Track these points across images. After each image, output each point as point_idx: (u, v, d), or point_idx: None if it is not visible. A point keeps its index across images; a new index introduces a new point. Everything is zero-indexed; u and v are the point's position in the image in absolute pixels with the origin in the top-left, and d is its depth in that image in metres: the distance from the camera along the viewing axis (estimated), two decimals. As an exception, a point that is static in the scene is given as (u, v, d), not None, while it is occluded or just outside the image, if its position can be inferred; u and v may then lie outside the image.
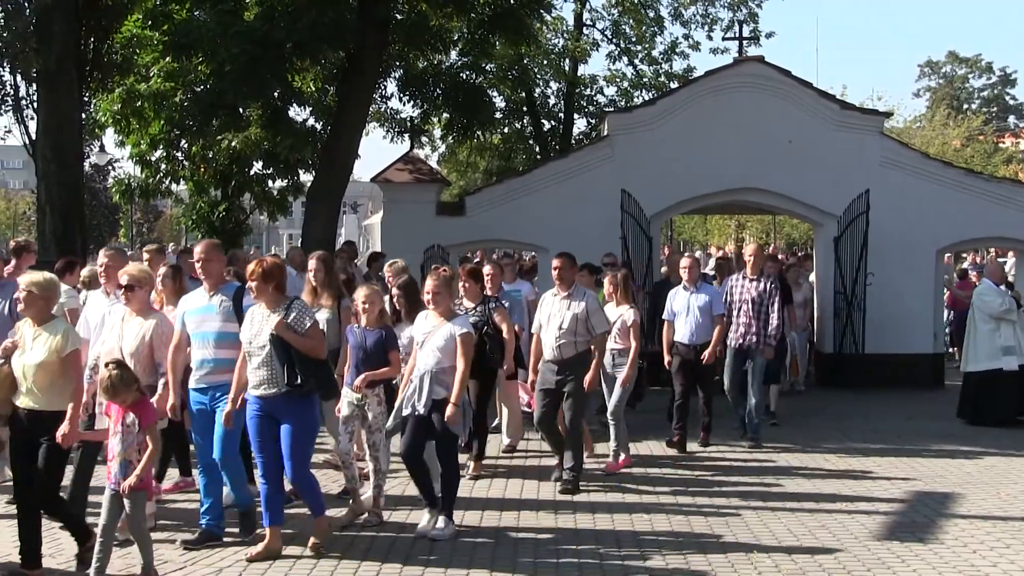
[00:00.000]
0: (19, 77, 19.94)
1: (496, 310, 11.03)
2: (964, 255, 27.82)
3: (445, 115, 21.74)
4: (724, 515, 9.47)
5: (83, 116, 19.62)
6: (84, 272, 11.64)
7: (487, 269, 12.07)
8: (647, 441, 12.71)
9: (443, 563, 8.05)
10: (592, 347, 10.54)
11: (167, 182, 23.69)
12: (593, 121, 33.38)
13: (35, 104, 19.11)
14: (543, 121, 34.03)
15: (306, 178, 22.48)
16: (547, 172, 18.97)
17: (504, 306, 11.34)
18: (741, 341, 12.68)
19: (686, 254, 13.01)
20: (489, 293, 11.49)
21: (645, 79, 33.96)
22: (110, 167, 48.47)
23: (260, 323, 8.09)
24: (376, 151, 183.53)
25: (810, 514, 9.50)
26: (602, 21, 34.09)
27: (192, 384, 8.62)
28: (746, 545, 8.48)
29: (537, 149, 33.71)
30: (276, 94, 17.84)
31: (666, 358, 12.61)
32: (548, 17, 27.28)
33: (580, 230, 17.44)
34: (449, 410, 8.71)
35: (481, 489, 10.52)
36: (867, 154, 17.96)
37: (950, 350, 20.77)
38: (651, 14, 33.38)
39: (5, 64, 19.68)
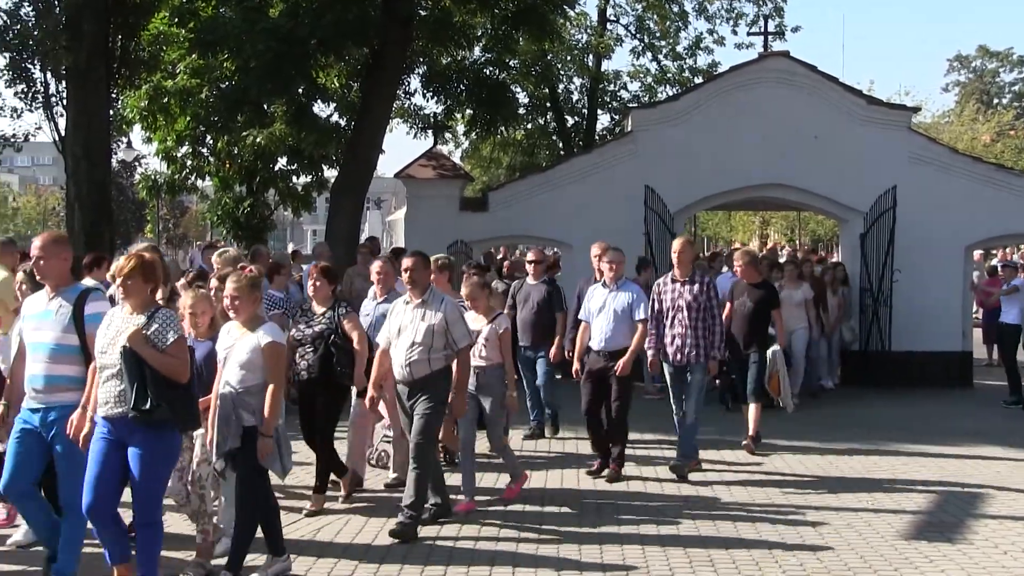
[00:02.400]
0: (49, 74, 20.04)
1: (347, 316, 9.50)
2: (994, 252, 27.62)
3: (468, 111, 21.79)
4: (749, 513, 9.44)
5: (111, 113, 19.73)
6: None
7: (376, 266, 10.49)
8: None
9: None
10: (452, 364, 8.86)
11: (193, 178, 23.87)
12: (617, 117, 33.36)
13: (64, 101, 19.19)
14: (566, 117, 34.02)
15: (330, 174, 22.59)
16: (570, 168, 18.97)
17: (354, 312, 9.80)
18: (679, 356, 10.90)
19: (609, 248, 11.08)
20: (378, 294, 10.35)
21: (669, 74, 33.91)
22: (137, 163, 48.70)
23: (118, 329, 6.76)
24: (400, 147, 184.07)
25: (836, 513, 9.44)
26: (626, 16, 34.09)
27: (24, 403, 7.30)
28: (771, 544, 8.44)
29: (560, 145, 33.71)
30: (300, 90, 17.92)
31: (575, 365, 11.18)
32: (572, 13, 27.19)
33: (603, 226, 17.35)
34: (259, 442, 7.24)
35: (326, 533, 8.74)
36: (894, 150, 17.85)
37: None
38: (675, 9, 33.33)
39: (36, 61, 19.79)
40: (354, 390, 9.74)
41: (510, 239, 21.72)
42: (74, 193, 17.98)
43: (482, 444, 10.22)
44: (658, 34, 33.83)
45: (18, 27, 19.12)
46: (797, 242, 48.68)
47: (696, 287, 10.86)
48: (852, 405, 15.72)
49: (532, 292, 12.95)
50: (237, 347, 7.44)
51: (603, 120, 34.64)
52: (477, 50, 22.04)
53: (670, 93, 30.47)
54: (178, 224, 65.82)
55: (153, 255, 7.14)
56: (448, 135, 29.38)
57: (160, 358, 6.63)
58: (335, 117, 21.84)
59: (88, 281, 11.05)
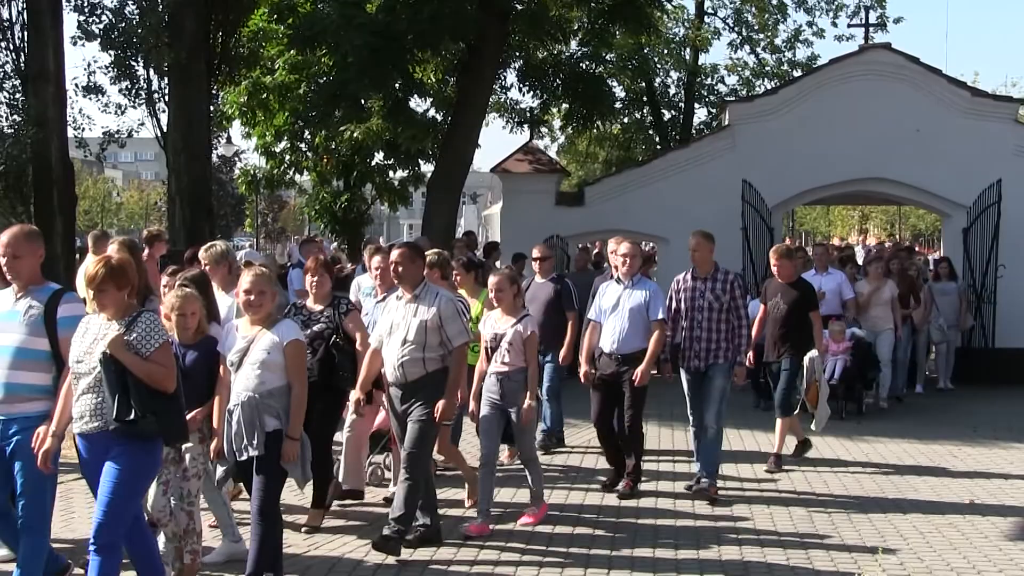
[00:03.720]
0: (152, 71, 20.54)
1: (349, 315, 8.79)
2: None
3: (565, 105, 21.81)
4: (848, 512, 9.29)
5: (211, 108, 20.10)
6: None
7: (375, 261, 9.76)
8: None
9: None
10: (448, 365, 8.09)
11: (291, 173, 24.22)
12: (714, 110, 33.05)
13: (166, 97, 19.63)
14: (663, 111, 33.84)
15: (427, 168, 22.74)
16: (667, 162, 18.87)
17: (357, 310, 9.12)
18: (697, 361, 9.89)
19: (623, 240, 10.21)
20: (377, 291, 9.67)
21: (767, 68, 33.58)
22: (236, 158, 49.56)
23: (95, 336, 6.17)
24: (496, 141, 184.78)
25: (938, 512, 9.25)
26: (724, 9, 33.83)
27: None
28: (871, 543, 8.29)
29: (657, 139, 33.53)
30: (397, 85, 18.07)
31: (582, 368, 9.98)
32: (669, 6, 27.05)
33: (700, 221, 17.01)
34: (285, 445, 6.85)
35: (319, 548, 8.14)
36: (999, 142, 17.45)
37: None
38: (774, 1, 32.94)
39: (139, 59, 20.28)
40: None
41: (606, 233, 21.51)
42: (175, 188, 18.37)
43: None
44: (756, 27, 33.50)
45: (122, 25, 19.57)
46: (897, 236, 47.79)
47: (719, 285, 9.90)
48: (955, 403, 15.39)
49: (539, 291, 11.46)
50: (254, 348, 6.92)
51: (700, 114, 34.47)
52: (573, 44, 22.05)
53: (768, 87, 30.12)
54: (277, 218, 66.81)
55: (121, 256, 6.76)
56: (544, 129, 29.38)
57: (144, 366, 6.04)
58: (431, 112, 21.99)
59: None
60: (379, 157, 23.10)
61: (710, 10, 33.62)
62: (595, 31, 20.52)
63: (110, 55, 20.26)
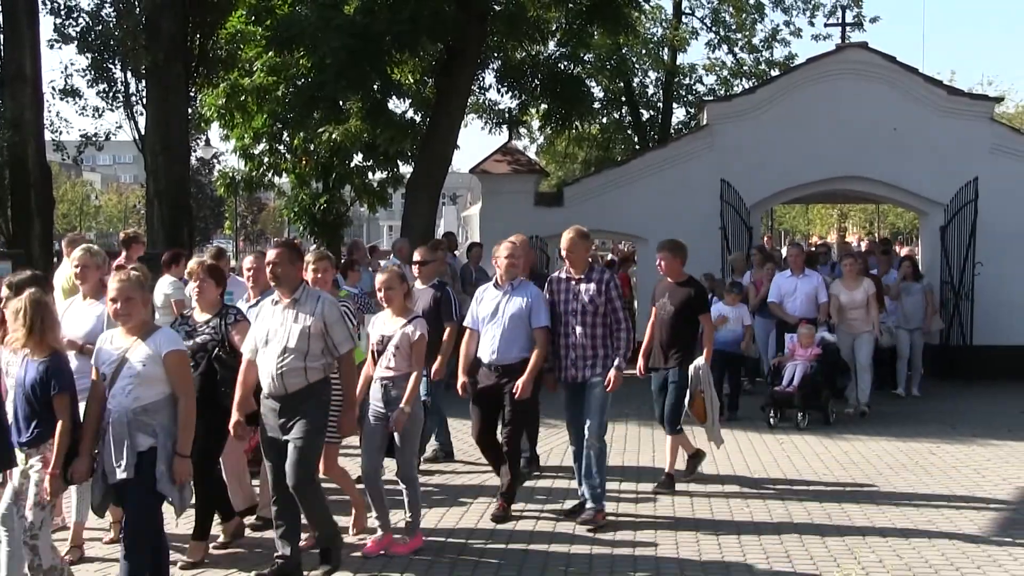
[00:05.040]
0: (129, 74, 20.48)
1: (236, 325, 7.92)
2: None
3: (543, 106, 21.80)
4: (825, 508, 9.32)
5: (189, 111, 20.04)
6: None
7: (247, 261, 9.03)
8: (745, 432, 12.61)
9: None
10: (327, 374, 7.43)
11: (270, 175, 24.08)
12: (692, 110, 33.16)
13: (144, 100, 19.58)
14: (642, 111, 33.87)
15: (406, 170, 22.64)
16: (646, 162, 18.92)
17: (246, 321, 8.01)
18: (574, 371, 8.89)
19: (505, 241, 9.31)
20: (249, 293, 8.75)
21: (745, 67, 33.63)
22: (215, 160, 49.44)
23: None
24: (475, 142, 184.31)
25: (916, 509, 9.30)
26: (701, 9, 33.88)
27: None
28: (850, 540, 8.34)
29: (636, 139, 33.58)
30: (376, 87, 18.03)
31: (460, 379, 9.07)
32: (646, 6, 27.05)
33: (679, 220, 17.33)
34: (176, 464, 6.40)
35: None
36: (976, 141, 17.56)
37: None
38: (751, 1, 33.00)
39: (116, 61, 20.23)
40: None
41: (585, 233, 21.68)
42: (153, 190, 18.33)
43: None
44: (734, 26, 33.57)
45: (99, 28, 19.52)
46: (876, 235, 48.01)
47: (594, 285, 8.91)
48: (933, 400, 15.46)
49: (419, 298, 10.17)
50: (127, 360, 6.42)
51: (678, 114, 34.52)
52: (552, 44, 22.04)
53: (746, 86, 30.18)
54: (256, 220, 66.73)
55: None
56: (523, 130, 29.39)
57: None
58: (410, 113, 21.90)
59: (167, 279, 11.26)
60: (358, 159, 22.99)
61: (688, 10, 33.70)
62: (573, 31, 20.54)
63: (87, 58, 20.24)
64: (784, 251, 19.04)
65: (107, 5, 19.68)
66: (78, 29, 19.55)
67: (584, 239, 9.17)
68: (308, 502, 7.26)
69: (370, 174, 23.94)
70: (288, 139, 22.16)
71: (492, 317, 8.92)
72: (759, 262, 15.95)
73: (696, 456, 10.45)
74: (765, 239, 25.59)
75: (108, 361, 6.48)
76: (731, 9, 33.15)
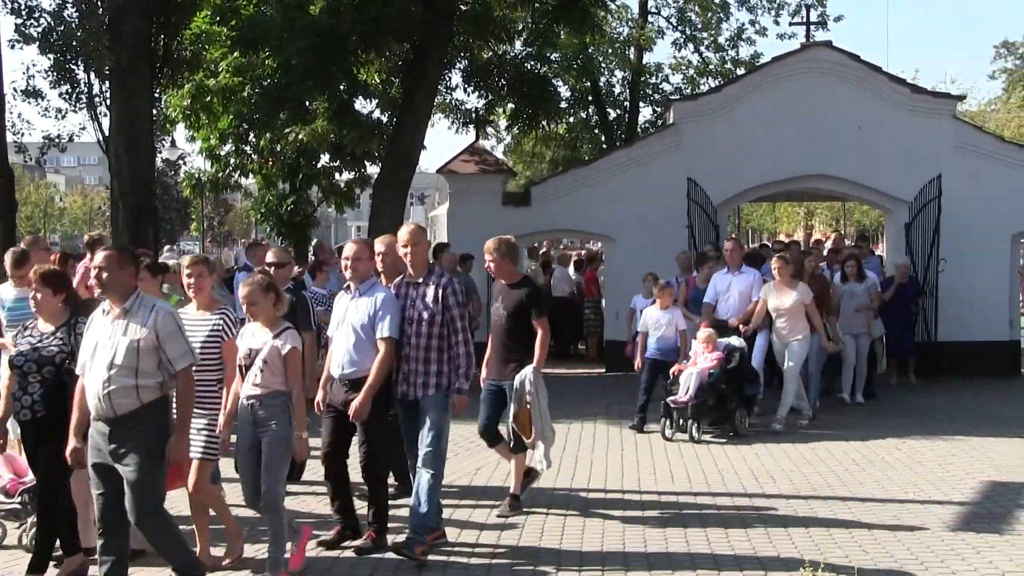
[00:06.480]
0: (92, 75, 20.29)
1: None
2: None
3: (510, 105, 21.85)
4: (792, 505, 9.38)
5: (154, 112, 19.90)
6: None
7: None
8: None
9: None
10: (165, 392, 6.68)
11: (236, 176, 24.03)
12: (659, 109, 33.19)
13: (108, 101, 19.39)
14: (608, 110, 33.89)
15: (373, 170, 22.67)
16: (613, 161, 18.96)
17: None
18: (406, 387, 8.02)
19: (350, 241, 8.58)
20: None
21: (711, 66, 33.72)
22: (181, 162, 49.18)
23: None
24: (442, 142, 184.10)
25: (882, 504, 9.36)
26: (667, 8, 33.90)
27: None
28: (816, 536, 8.38)
29: (603, 138, 33.60)
30: (342, 87, 17.99)
31: (318, 395, 8.22)
32: (612, 5, 27.15)
33: (646, 219, 17.47)
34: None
35: None
36: (939, 138, 17.70)
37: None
38: (717, 0, 33.11)
39: (79, 62, 20.05)
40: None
41: (553, 233, 21.74)
42: (118, 192, 18.14)
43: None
44: (700, 25, 33.66)
45: (61, 28, 19.34)
46: (842, 232, 48.31)
47: (431, 290, 8.00)
48: (899, 395, 15.58)
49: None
50: None
51: (645, 113, 34.53)
52: (518, 44, 22.08)
53: (712, 85, 30.27)
54: (223, 222, 66.45)
55: None
56: (490, 130, 29.33)
57: None
58: (377, 113, 21.92)
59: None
60: (325, 159, 23.00)
61: (654, 9, 33.71)
62: (539, 31, 20.59)
63: (49, 59, 20.02)
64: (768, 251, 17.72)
65: (69, 5, 19.48)
66: (39, 30, 19.35)
67: (423, 232, 8.32)
68: (155, 536, 6.62)
69: (337, 175, 23.96)
70: (254, 140, 22.12)
71: (339, 326, 8.10)
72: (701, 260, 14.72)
73: (529, 475, 9.29)
74: (732, 237, 25.66)
75: None
76: (697, 8, 33.24)
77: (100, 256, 6.62)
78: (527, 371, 8.78)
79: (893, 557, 7.80)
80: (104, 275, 6.55)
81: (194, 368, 6.80)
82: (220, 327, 7.64)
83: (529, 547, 8.20)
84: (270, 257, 10.01)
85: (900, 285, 16.13)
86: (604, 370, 18.08)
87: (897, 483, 10.18)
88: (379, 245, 8.20)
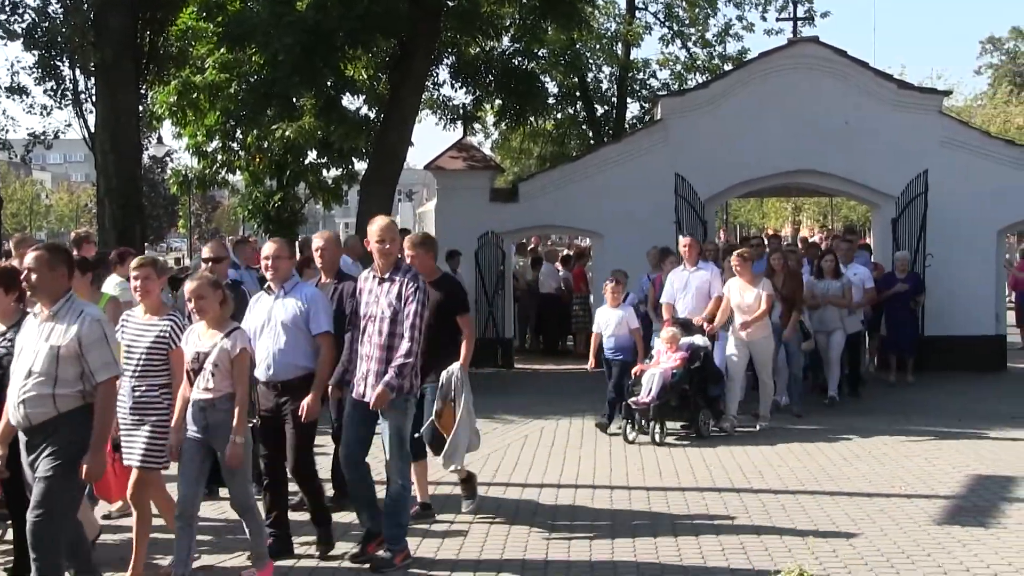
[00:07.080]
0: (78, 71, 20.24)
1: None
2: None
3: (498, 101, 21.78)
4: (780, 500, 9.40)
5: (140, 108, 19.86)
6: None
7: (316, 243, 8.40)
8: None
9: None
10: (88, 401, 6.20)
11: (223, 173, 23.91)
12: (646, 105, 33.19)
13: (94, 98, 19.34)
14: (596, 106, 33.89)
15: (360, 166, 22.57)
16: (600, 157, 18.96)
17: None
18: (361, 386, 7.66)
19: (270, 241, 8.17)
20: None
21: (699, 62, 33.72)
22: (168, 158, 49.10)
23: None
24: (429, 138, 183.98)
25: (868, 498, 9.39)
26: (655, 4, 33.86)
27: None
28: (804, 531, 8.40)
29: (590, 134, 33.58)
30: (329, 83, 17.94)
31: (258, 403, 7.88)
32: (600, 1, 27.12)
33: (634, 215, 17.46)
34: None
35: None
36: (926, 134, 17.74)
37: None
38: (704, -5, 33.12)
39: (64, 59, 19.99)
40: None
41: (541, 229, 21.72)
42: (104, 189, 18.13)
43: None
44: (687, 21, 33.66)
45: (46, 24, 19.28)
46: (830, 227, 48.41)
47: (396, 287, 7.62)
48: (886, 390, 15.62)
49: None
50: None
51: (633, 109, 34.51)
52: (506, 40, 22.02)
53: (700, 81, 30.29)
54: (210, 219, 66.35)
55: None
56: (478, 126, 29.26)
57: None
58: (364, 109, 21.83)
59: (113, 278, 11.13)
60: (312, 156, 22.88)
61: (641, 5, 33.70)
62: (527, 27, 20.53)
63: (34, 55, 19.96)
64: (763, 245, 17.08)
65: (53, 1, 19.45)
66: (24, 26, 19.30)
67: (393, 227, 7.89)
68: (42, 549, 6.08)
69: (324, 171, 23.85)
70: (241, 136, 22.01)
71: (264, 328, 7.77)
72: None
73: (469, 481, 9.08)
74: (721, 233, 25.72)
75: None
76: (684, 4, 33.23)
77: (30, 256, 6.28)
78: (454, 368, 8.44)
79: (879, 551, 7.82)
80: (33, 276, 6.22)
81: (138, 374, 6.67)
82: (167, 333, 7.29)
83: (469, 559, 7.80)
84: (206, 252, 9.73)
85: (900, 282, 16.15)
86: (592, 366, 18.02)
87: (883, 477, 10.21)
88: (317, 240, 8.23)
